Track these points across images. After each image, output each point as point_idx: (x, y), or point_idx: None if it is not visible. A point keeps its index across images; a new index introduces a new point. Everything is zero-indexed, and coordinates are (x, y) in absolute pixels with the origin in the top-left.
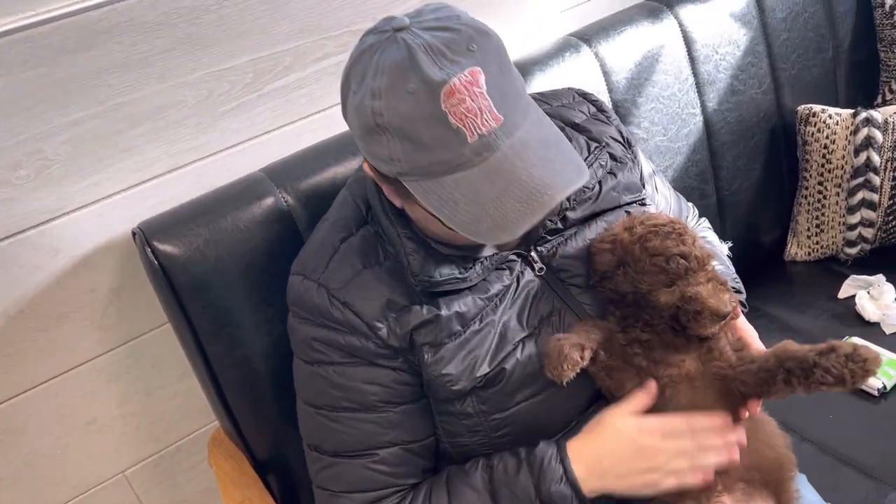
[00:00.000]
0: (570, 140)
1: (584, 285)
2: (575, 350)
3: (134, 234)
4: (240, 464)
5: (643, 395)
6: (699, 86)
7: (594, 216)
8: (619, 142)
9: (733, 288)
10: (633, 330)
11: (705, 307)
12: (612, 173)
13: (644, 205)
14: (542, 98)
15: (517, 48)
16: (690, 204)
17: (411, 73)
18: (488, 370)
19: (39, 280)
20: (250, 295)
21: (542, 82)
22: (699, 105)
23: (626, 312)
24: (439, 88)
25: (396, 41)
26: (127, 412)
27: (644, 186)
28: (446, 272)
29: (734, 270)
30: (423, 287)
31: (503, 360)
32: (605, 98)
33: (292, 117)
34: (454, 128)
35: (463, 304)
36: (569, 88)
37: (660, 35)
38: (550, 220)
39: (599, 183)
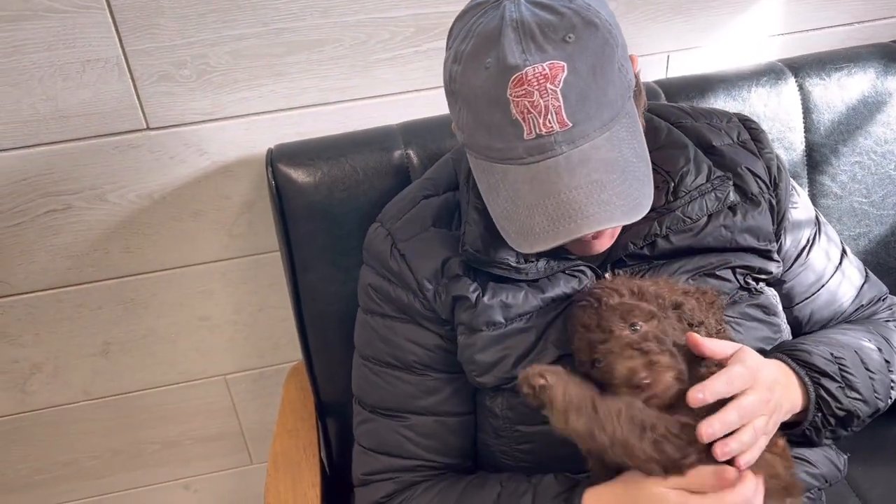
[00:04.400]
0: (690, 161)
1: None
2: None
3: (267, 153)
4: (305, 398)
5: (706, 477)
6: None
7: (692, 252)
8: (761, 179)
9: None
10: None
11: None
12: (731, 209)
13: (768, 258)
14: (689, 112)
15: (711, 62)
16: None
17: (493, 48)
18: (517, 375)
19: (183, 174)
20: (350, 237)
21: (726, 103)
22: None
23: None
24: (510, 73)
25: (498, 8)
26: (239, 320)
27: (780, 237)
28: (500, 255)
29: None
30: (468, 259)
31: None
32: (797, 137)
33: None
34: (513, 118)
35: (513, 297)
36: (733, 113)
37: (893, 83)
38: (633, 243)
39: (709, 216)
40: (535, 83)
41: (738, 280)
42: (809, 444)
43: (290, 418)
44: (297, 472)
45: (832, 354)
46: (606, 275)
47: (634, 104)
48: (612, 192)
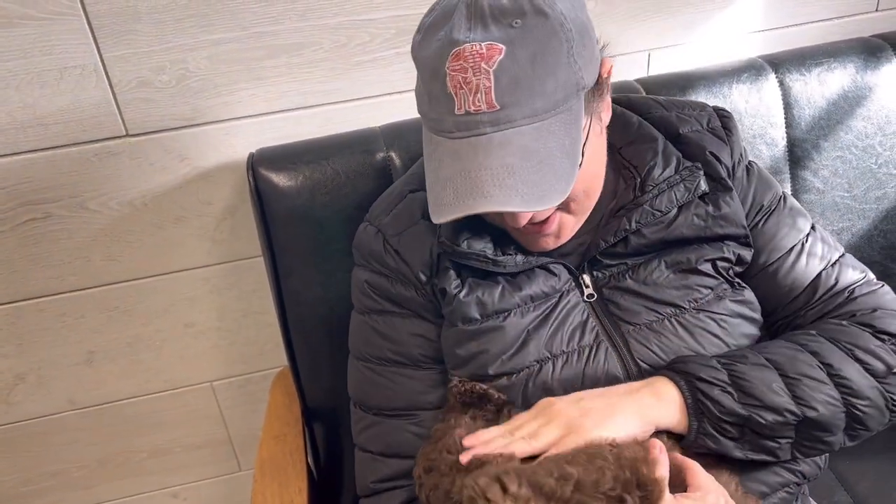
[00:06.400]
0: (657, 154)
1: (637, 323)
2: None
3: (248, 158)
4: (291, 403)
5: None
6: None
7: (666, 244)
8: (724, 164)
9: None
10: None
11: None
12: (703, 199)
13: (746, 245)
14: (662, 103)
15: (692, 59)
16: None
17: (447, 23)
18: (493, 374)
19: (165, 180)
20: (333, 241)
21: (707, 100)
22: None
23: None
24: (451, 47)
25: None
26: (223, 327)
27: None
28: (477, 247)
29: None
30: (444, 250)
31: (517, 372)
32: (779, 133)
33: None
34: (448, 92)
35: (489, 294)
36: (710, 105)
37: (873, 77)
38: (605, 241)
39: (680, 207)
40: (471, 60)
41: (720, 274)
42: (773, 455)
43: (276, 424)
44: (283, 478)
45: (720, 361)
46: None
47: (586, 104)
48: (520, 178)
